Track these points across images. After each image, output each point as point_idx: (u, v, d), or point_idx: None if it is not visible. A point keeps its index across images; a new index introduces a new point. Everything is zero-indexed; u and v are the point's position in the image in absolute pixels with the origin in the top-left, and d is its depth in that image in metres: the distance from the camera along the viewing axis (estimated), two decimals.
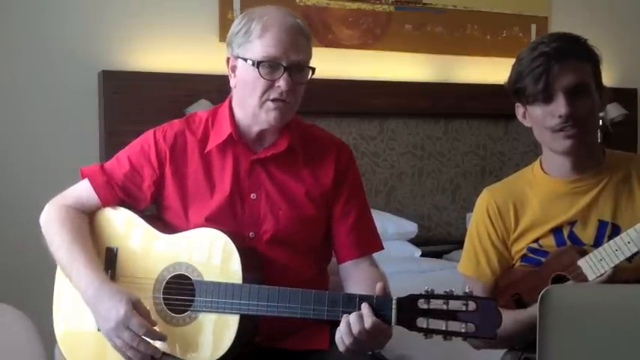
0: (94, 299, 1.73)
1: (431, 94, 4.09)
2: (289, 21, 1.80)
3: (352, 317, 1.57)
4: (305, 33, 1.82)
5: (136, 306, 1.69)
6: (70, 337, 1.89)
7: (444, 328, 1.52)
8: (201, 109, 3.13)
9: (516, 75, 1.83)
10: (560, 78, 1.76)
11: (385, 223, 3.55)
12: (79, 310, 1.85)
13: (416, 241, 3.82)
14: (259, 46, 1.77)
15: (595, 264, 1.73)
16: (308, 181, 1.87)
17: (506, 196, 1.91)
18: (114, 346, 1.71)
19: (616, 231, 1.78)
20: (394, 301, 1.56)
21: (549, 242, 1.84)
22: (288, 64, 1.77)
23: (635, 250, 1.70)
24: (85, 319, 1.84)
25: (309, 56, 1.83)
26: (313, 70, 1.83)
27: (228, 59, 1.87)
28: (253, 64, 1.78)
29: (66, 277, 1.84)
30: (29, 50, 3.48)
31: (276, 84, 1.77)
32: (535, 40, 1.86)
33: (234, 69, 1.85)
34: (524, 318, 1.74)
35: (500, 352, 1.92)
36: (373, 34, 4.09)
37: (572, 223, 1.83)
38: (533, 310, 1.71)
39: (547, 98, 1.78)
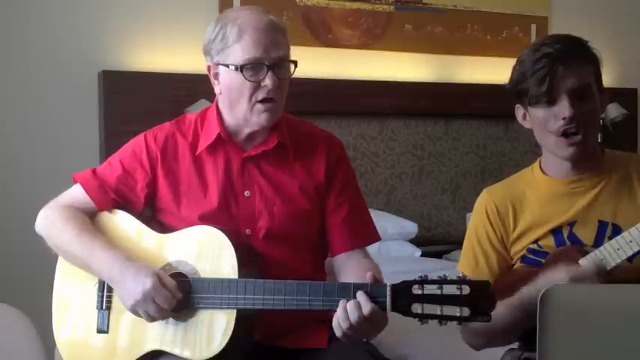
0: (120, 276, 1.75)
1: (431, 94, 4.09)
2: (263, 19, 1.80)
3: (350, 305, 1.57)
4: (280, 28, 1.83)
5: (161, 280, 1.71)
6: (73, 345, 1.88)
7: (439, 313, 1.52)
8: (201, 108, 3.13)
9: (519, 76, 1.81)
10: (565, 80, 1.75)
11: (385, 223, 3.55)
12: (80, 316, 1.86)
13: (416, 241, 3.82)
14: (239, 50, 1.78)
15: (597, 263, 1.73)
16: (300, 176, 1.88)
17: (505, 196, 1.90)
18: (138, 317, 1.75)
19: (617, 231, 1.77)
20: (389, 288, 1.57)
21: (549, 243, 1.83)
22: (270, 63, 1.78)
23: (637, 249, 1.69)
24: (87, 325, 1.85)
25: (289, 50, 1.84)
26: (295, 63, 1.84)
27: (208, 67, 1.87)
28: (236, 69, 1.78)
29: (83, 268, 1.84)
30: (29, 50, 3.49)
31: (262, 84, 1.78)
32: (536, 42, 1.84)
33: (216, 76, 1.86)
34: (519, 300, 1.73)
35: (500, 352, 1.92)
36: (373, 34, 4.10)
37: (571, 223, 1.82)
38: (528, 290, 1.72)
39: (550, 100, 1.77)
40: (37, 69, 3.50)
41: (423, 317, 1.53)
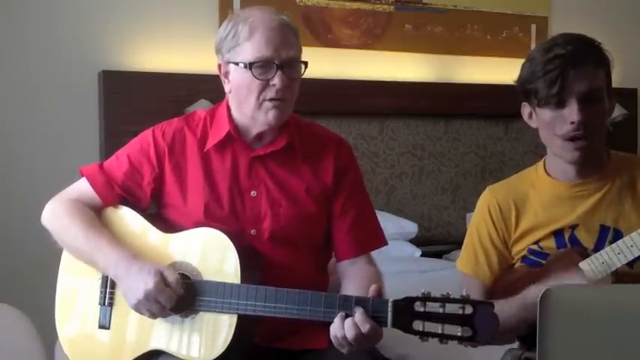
0: (125, 273, 1.75)
1: (431, 94, 4.09)
2: (275, 19, 1.80)
3: (347, 322, 1.57)
4: (292, 29, 1.83)
5: (164, 279, 1.71)
6: (75, 340, 1.88)
7: (440, 332, 1.51)
8: (201, 109, 3.12)
9: (528, 75, 1.78)
10: (575, 83, 1.72)
11: (385, 223, 3.48)
12: (82, 311, 1.87)
13: (416, 241, 3.82)
14: (249, 48, 1.78)
15: (597, 266, 1.72)
16: (308, 178, 1.87)
17: (508, 196, 1.90)
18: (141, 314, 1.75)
19: (618, 236, 1.76)
20: (390, 304, 1.56)
21: (550, 244, 1.83)
22: (280, 62, 1.78)
23: (638, 253, 1.69)
24: (89, 320, 1.85)
25: (300, 51, 1.84)
26: (306, 64, 1.84)
27: (219, 66, 1.87)
28: (246, 67, 1.78)
29: (87, 263, 1.84)
30: (29, 50, 3.48)
31: (271, 83, 1.78)
32: (548, 41, 1.81)
33: (226, 75, 1.86)
34: (521, 301, 1.73)
35: (500, 351, 1.92)
36: (373, 34, 4.09)
37: (573, 226, 1.82)
38: (529, 292, 1.71)
39: (559, 103, 1.74)
40: (37, 69, 3.49)
41: (424, 335, 1.52)
